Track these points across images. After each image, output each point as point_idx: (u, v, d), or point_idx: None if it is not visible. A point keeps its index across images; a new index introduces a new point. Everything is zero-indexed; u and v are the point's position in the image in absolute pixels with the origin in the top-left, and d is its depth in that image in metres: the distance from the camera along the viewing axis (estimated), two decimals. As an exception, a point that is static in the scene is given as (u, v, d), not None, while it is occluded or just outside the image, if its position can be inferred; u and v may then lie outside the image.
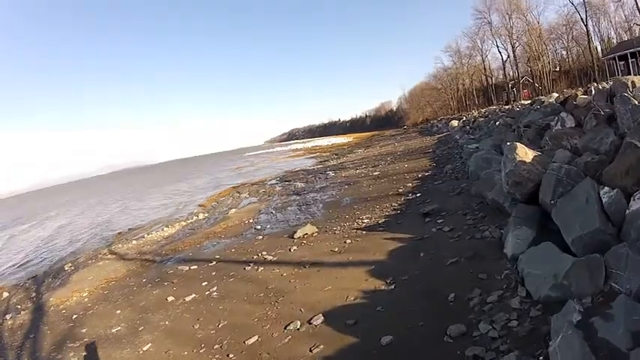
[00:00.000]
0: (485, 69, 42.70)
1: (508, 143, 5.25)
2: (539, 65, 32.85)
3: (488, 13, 35.81)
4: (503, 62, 37.79)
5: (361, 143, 44.61)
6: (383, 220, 6.82)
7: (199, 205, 15.16)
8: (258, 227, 8.40)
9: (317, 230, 6.95)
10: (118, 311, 5.17)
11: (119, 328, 4.61)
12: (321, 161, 27.05)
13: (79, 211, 24.55)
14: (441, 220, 5.87)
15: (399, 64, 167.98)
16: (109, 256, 8.92)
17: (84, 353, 4.18)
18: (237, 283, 5.25)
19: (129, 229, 12.85)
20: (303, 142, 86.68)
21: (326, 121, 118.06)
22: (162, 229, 10.79)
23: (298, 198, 11.48)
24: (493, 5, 35.11)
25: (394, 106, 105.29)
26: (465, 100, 47.31)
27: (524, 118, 9.47)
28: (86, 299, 6.06)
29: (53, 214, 25.76)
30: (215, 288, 5.19)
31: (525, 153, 4.67)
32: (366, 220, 6.99)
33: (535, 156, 4.67)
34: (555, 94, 14.17)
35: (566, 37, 34.81)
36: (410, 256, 4.74)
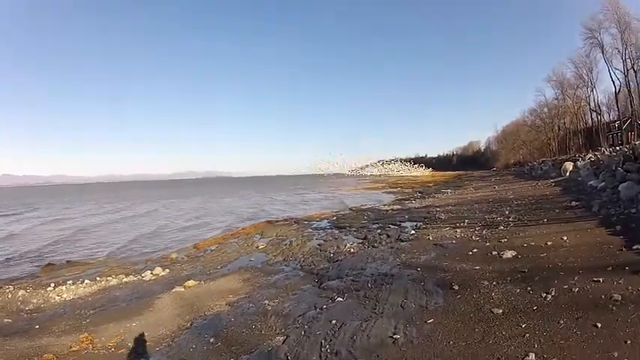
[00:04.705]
0: (592, 103, 33.53)
1: None
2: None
3: (599, 32, 27.12)
4: (616, 94, 28.72)
5: (448, 182, 40.70)
6: None
7: (194, 246, 11.19)
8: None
9: None
10: None
11: None
12: (400, 199, 21.70)
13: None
14: None
15: (492, 104, 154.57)
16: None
17: None
18: None
19: (67, 261, 9.93)
20: (387, 170, 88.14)
21: (412, 156, 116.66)
22: (90, 282, 7.58)
23: (307, 319, 4.36)
24: (605, 21, 26.45)
25: (482, 146, 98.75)
26: (567, 141, 39.34)
27: None
28: None
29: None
30: None
31: None
32: None
33: None
34: None
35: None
36: None
